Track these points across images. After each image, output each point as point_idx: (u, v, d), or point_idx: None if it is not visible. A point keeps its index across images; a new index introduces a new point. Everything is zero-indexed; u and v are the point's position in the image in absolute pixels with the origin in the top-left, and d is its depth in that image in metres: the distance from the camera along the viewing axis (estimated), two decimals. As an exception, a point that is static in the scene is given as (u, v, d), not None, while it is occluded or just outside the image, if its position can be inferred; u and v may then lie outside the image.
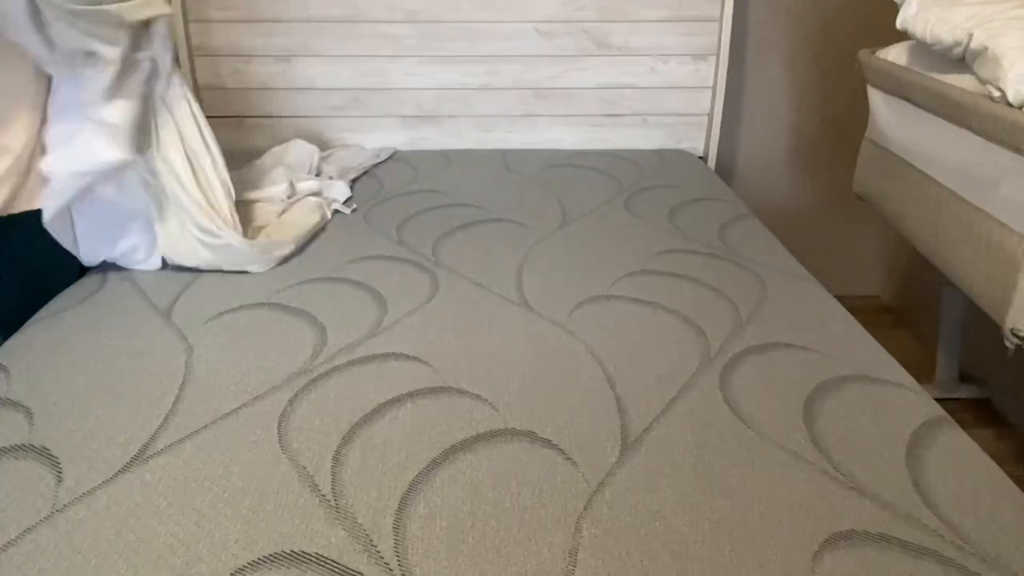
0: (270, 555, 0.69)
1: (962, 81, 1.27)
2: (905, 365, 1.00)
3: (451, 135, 1.99)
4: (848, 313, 1.14)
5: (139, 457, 0.82)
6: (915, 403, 0.92)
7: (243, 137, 1.94)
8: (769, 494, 0.77)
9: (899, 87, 1.44)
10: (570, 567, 0.68)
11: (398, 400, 0.92)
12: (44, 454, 0.82)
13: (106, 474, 0.79)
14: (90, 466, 0.81)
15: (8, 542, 0.71)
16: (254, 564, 0.68)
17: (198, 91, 1.88)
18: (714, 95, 1.96)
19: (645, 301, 1.17)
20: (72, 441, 0.84)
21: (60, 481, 0.78)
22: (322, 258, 1.32)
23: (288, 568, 0.68)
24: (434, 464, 0.81)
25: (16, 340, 1.06)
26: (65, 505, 0.75)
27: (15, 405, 0.91)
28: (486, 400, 0.92)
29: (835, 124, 2.13)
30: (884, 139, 1.54)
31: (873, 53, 1.58)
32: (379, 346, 1.04)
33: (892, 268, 2.32)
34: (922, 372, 1.60)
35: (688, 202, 1.60)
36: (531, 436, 0.85)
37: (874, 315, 2.26)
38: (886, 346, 1.05)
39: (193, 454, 0.83)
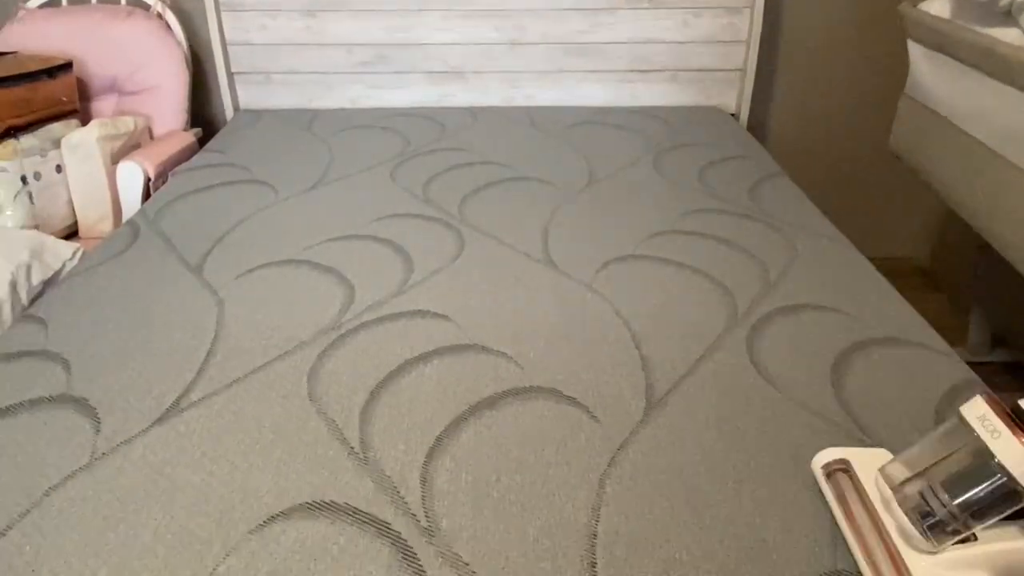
0: (301, 504, 0.71)
1: (1008, 35, 1.21)
2: (937, 328, 0.99)
3: (477, 92, 1.96)
4: (880, 275, 1.12)
5: (173, 409, 0.84)
6: (946, 366, 0.90)
7: (269, 94, 1.94)
8: (795, 456, 0.76)
9: (941, 41, 1.39)
10: (593, 523, 0.69)
11: (424, 357, 0.93)
12: (83, 404, 0.85)
13: (142, 424, 0.82)
14: (127, 417, 0.83)
15: (50, 488, 0.73)
16: (286, 513, 0.70)
17: (225, 47, 1.87)
18: (748, 50, 1.91)
19: (672, 261, 1.16)
20: (109, 392, 0.87)
21: (98, 431, 0.81)
22: (349, 216, 1.32)
23: (318, 517, 0.70)
24: (460, 420, 0.82)
25: (53, 293, 1.09)
26: (104, 453, 0.78)
27: (54, 356, 0.94)
28: (511, 358, 0.92)
29: (872, 80, 2.06)
30: (923, 95, 1.49)
31: (914, 5, 1.52)
32: (406, 303, 1.04)
33: (927, 229, 2.26)
34: (955, 335, 1.58)
35: (718, 160, 1.58)
36: (556, 394, 0.86)
37: (907, 277, 2.22)
38: (918, 309, 1.03)
39: (225, 407, 0.84)
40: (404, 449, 0.78)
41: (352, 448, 0.78)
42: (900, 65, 1.62)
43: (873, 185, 2.21)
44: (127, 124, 1.67)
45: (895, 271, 1.27)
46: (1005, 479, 0.51)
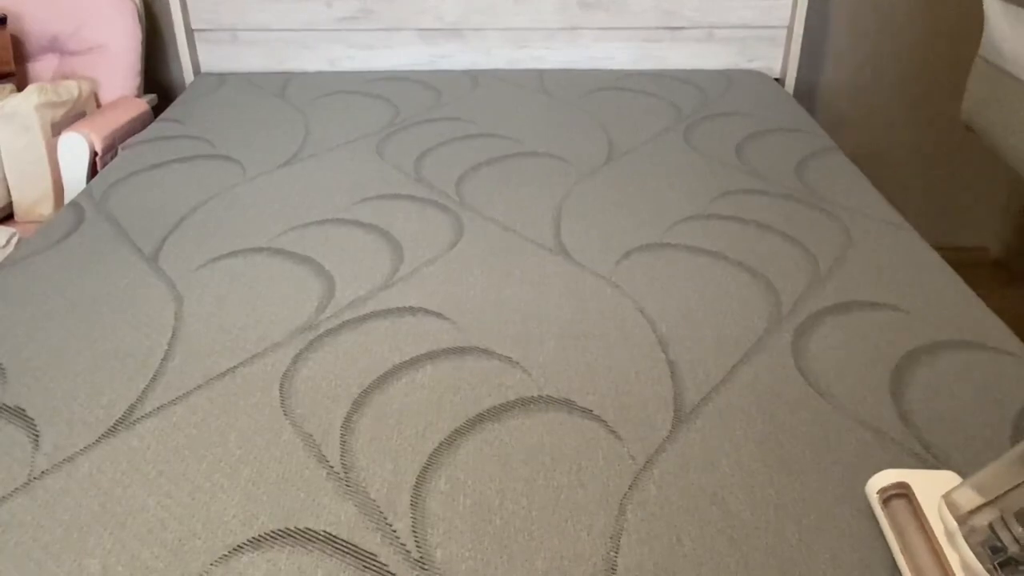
0: (272, 532, 0.71)
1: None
2: (1016, 329, 0.98)
3: (478, 52, 1.96)
4: (948, 267, 1.11)
5: (124, 420, 0.85)
6: (1025, 375, 0.90)
7: (235, 54, 1.94)
8: (846, 478, 0.76)
9: (1023, -7, 1.38)
10: (612, 554, 0.69)
11: (416, 361, 0.93)
12: (19, 415, 0.85)
13: (88, 439, 0.82)
14: (70, 429, 0.83)
15: (-17, 511, 0.74)
16: (254, 541, 0.71)
17: (184, -1, 1.88)
18: (795, 3, 1.90)
19: (705, 251, 1.16)
20: (50, 401, 0.87)
21: (37, 446, 0.81)
22: (329, 197, 1.32)
23: (292, 547, 0.70)
24: (457, 435, 0.82)
25: (-15, 287, 1.09)
26: (43, 472, 0.78)
27: (-14, 360, 0.94)
28: (517, 363, 0.92)
29: (941, 40, 2.05)
30: (1001, 57, 1.49)
31: (992, -49, 1.51)
32: (394, 299, 1.05)
33: (1004, 215, 2.26)
34: (1035, 339, 1.57)
35: (760, 133, 1.57)
36: (569, 405, 0.86)
37: (980, 270, 2.21)
38: (992, 306, 1.03)
39: (185, 418, 0.85)
40: (392, 468, 0.78)
41: (332, 467, 0.78)
42: (974, 23, 1.61)
43: (940, 162, 2.20)
44: (70, 90, 1.67)
45: (967, 263, 1.27)
46: None
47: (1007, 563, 0.56)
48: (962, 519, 0.59)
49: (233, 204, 1.31)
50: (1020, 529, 0.55)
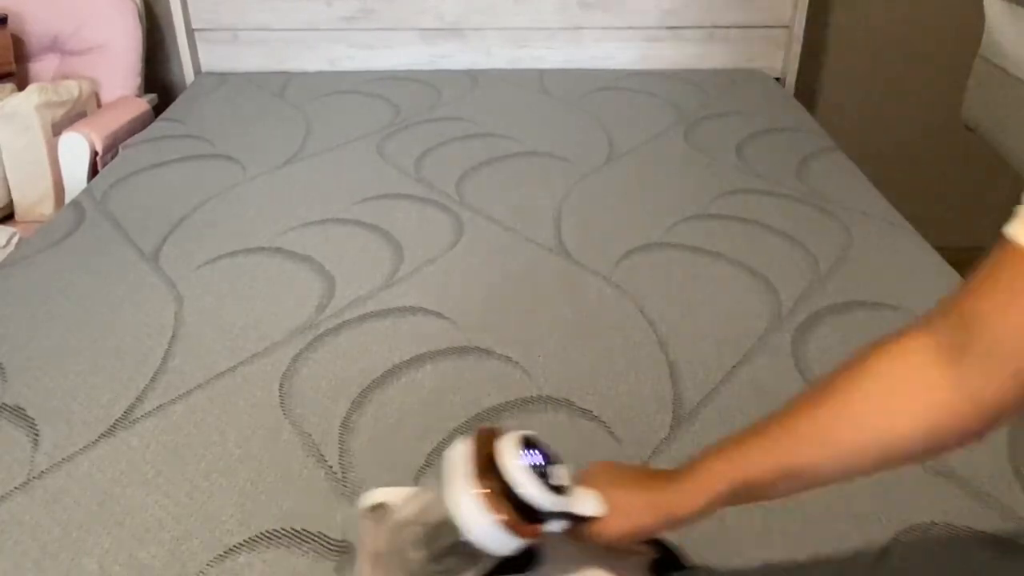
0: (269, 532, 0.71)
1: (1103, -15, 1.21)
2: (1016, 330, 0.98)
3: (478, 52, 1.96)
4: (949, 267, 1.11)
5: (124, 420, 0.84)
6: (1026, 375, 0.90)
7: (236, 54, 1.94)
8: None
9: (1024, -7, 1.38)
10: (611, 555, 0.69)
11: (416, 361, 0.93)
12: (19, 414, 0.85)
13: (88, 438, 0.82)
14: (70, 428, 0.83)
15: (-18, 511, 0.74)
16: (251, 542, 0.70)
17: (185, -1, 1.88)
18: (795, 3, 1.90)
19: (706, 250, 1.15)
20: (50, 401, 0.87)
21: (37, 445, 0.81)
22: (329, 197, 1.32)
23: (288, 548, 0.70)
24: (456, 435, 0.82)
25: (-15, 286, 1.09)
26: (43, 471, 0.78)
27: (-14, 359, 0.94)
28: (517, 363, 0.92)
29: (941, 39, 2.05)
30: (1002, 57, 1.49)
31: (993, -49, 1.51)
32: (394, 299, 1.05)
33: (1005, 215, 2.25)
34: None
35: (761, 132, 1.57)
36: (568, 406, 0.86)
37: (981, 270, 2.20)
38: (994, 307, 1.02)
39: (184, 417, 0.85)
40: (391, 469, 0.78)
41: (330, 467, 0.78)
42: (974, 22, 1.61)
43: (941, 162, 2.20)
44: (70, 90, 1.67)
45: (967, 263, 1.26)
46: (463, 537, 0.48)
47: None
48: (392, 535, 0.56)
49: (233, 204, 1.30)
50: (419, 550, 0.52)
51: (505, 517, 0.48)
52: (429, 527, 0.52)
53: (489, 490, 0.48)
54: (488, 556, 0.50)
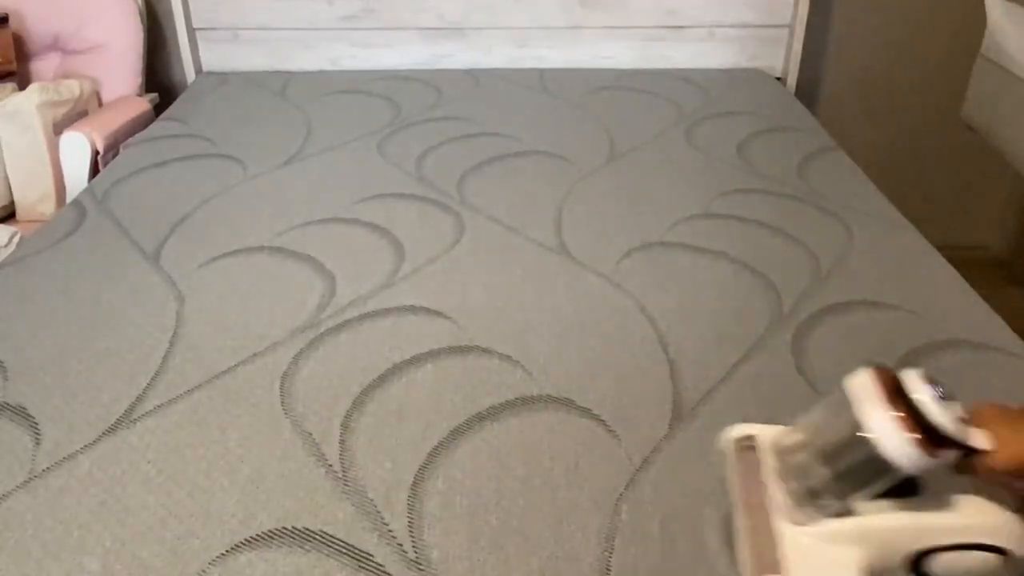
0: (270, 531, 0.71)
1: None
2: (1017, 328, 0.98)
3: (479, 51, 1.96)
4: (950, 266, 1.11)
5: (125, 419, 0.85)
6: (1026, 374, 0.90)
7: (237, 53, 1.94)
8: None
9: (1025, -8, 1.38)
10: (606, 554, 0.69)
11: (416, 360, 0.93)
12: (20, 413, 0.86)
13: (88, 437, 0.82)
14: (71, 428, 0.83)
15: (-17, 509, 0.74)
16: (252, 541, 0.71)
17: (186, -2, 1.88)
18: (797, 1, 1.90)
19: (706, 250, 1.16)
20: (50, 400, 0.87)
21: (38, 444, 0.81)
22: (329, 196, 1.32)
23: (290, 546, 0.70)
24: (456, 434, 0.82)
25: (-14, 285, 1.10)
26: (44, 470, 0.78)
27: (-13, 358, 0.94)
28: (517, 362, 0.92)
29: (943, 39, 2.05)
30: (1003, 57, 1.48)
31: (995, -50, 1.50)
32: (395, 298, 1.05)
33: (1005, 214, 2.25)
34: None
35: (762, 132, 1.57)
36: (568, 404, 0.86)
37: (981, 269, 2.19)
38: (994, 306, 1.02)
39: (185, 417, 0.85)
40: (390, 468, 0.78)
41: (330, 466, 0.78)
42: (976, 22, 1.61)
43: (943, 162, 2.20)
44: (71, 89, 1.67)
45: (968, 262, 1.26)
46: (875, 452, 0.55)
47: (812, 497, 0.60)
48: (782, 460, 0.63)
49: (234, 203, 1.31)
50: (823, 468, 0.59)
51: (919, 437, 0.53)
52: (829, 447, 0.59)
53: (904, 414, 0.55)
54: (887, 476, 0.56)
